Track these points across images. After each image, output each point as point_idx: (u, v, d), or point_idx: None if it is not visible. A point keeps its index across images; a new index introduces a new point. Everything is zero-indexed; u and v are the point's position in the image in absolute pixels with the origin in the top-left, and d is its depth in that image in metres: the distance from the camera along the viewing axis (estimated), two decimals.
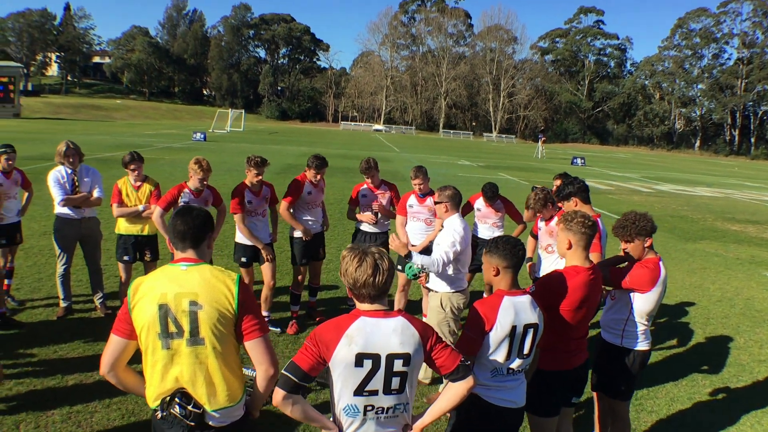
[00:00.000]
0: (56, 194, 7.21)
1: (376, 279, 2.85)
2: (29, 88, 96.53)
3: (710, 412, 6.14)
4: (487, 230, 8.12)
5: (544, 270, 6.22)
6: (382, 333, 2.84)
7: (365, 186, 7.89)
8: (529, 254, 7.76)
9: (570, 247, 4.08)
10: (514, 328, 3.48)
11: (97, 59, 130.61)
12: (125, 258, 7.30)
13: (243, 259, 7.29)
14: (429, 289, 6.00)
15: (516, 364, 3.58)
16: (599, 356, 4.84)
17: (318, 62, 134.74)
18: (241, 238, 7.24)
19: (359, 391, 2.85)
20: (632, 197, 25.42)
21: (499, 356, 3.52)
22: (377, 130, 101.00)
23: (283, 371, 2.90)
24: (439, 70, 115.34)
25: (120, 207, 7.15)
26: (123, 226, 7.28)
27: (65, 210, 7.36)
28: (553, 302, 3.96)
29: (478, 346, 3.49)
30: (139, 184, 7.24)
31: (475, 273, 8.44)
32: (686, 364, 7.34)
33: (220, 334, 2.97)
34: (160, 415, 3.04)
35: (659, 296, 4.48)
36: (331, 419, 3.00)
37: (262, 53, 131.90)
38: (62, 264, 7.50)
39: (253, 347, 3.01)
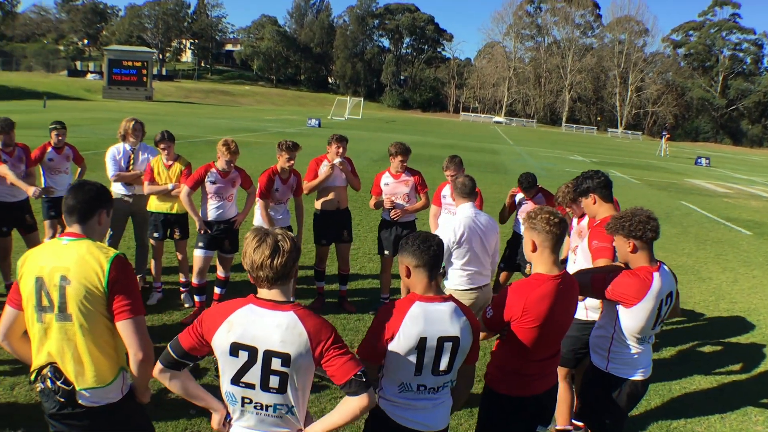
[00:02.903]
0: (109, 170, 7.52)
1: (275, 260, 2.62)
2: (163, 72, 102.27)
3: None
4: None
5: None
6: (264, 325, 2.59)
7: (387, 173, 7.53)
8: (563, 255, 7.12)
9: (535, 249, 3.49)
10: (423, 340, 2.96)
11: (229, 47, 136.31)
12: (155, 235, 7.37)
13: None
14: None
15: (429, 381, 3.06)
16: (583, 380, 4.21)
17: (441, 52, 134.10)
18: (259, 221, 7.08)
19: (236, 381, 2.65)
20: (749, 202, 23.33)
21: (405, 370, 3.01)
22: (497, 122, 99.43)
23: (168, 345, 2.75)
24: (564, 62, 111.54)
25: (151, 185, 7.20)
26: (154, 204, 7.34)
27: (118, 186, 7.63)
28: (509, 317, 3.41)
29: (378, 355, 3.01)
30: (170, 163, 7.25)
31: (513, 272, 7.89)
32: (742, 395, 6.38)
33: (87, 312, 2.89)
34: (38, 388, 3.03)
35: (650, 313, 3.73)
36: None
37: (385, 43, 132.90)
38: (108, 238, 7.70)
39: (122, 329, 2.93)
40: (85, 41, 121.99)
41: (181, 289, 7.49)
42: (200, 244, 6.92)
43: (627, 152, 52.59)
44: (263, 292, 2.70)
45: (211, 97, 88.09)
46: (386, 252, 7.47)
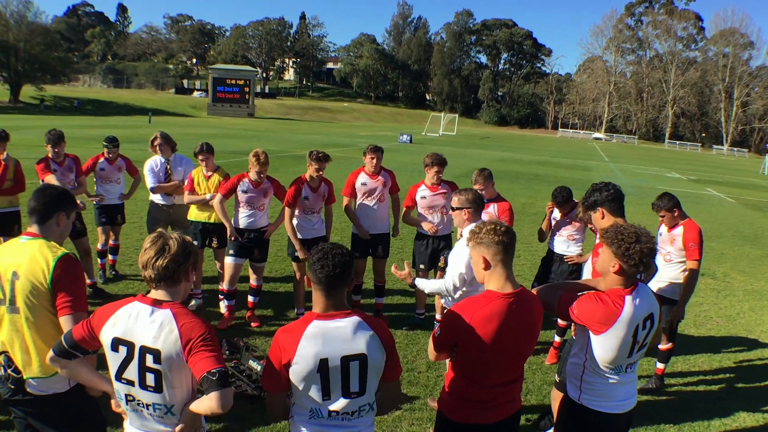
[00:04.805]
0: (148, 181, 7.89)
1: (158, 261, 2.71)
2: (266, 90, 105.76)
3: None
4: (562, 244, 7.14)
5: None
6: (142, 321, 2.69)
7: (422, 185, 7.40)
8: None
9: (488, 267, 3.24)
10: (324, 361, 2.73)
11: (329, 65, 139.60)
12: (194, 243, 7.54)
13: (296, 254, 7.18)
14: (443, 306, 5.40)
15: (340, 405, 2.81)
16: (558, 411, 3.92)
17: (540, 68, 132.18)
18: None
19: (119, 377, 2.75)
20: None
21: (311, 395, 2.78)
22: (596, 139, 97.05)
23: (63, 334, 2.91)
24: (667, 76, 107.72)
25: (191, 194, 7.44)
26: (193, 213, 7.59)
27: (157, 196, 7.99)
28: (456, 338, 3.21)
29: (281, 382, 2.79)
30: (209, 174, 7.48)
31: None
32: None
33: (32, 306, 3.12)
34: None
35: (622, 341, 3.32)
36: None
37: (483, 59, 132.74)
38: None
39: (63, 324, 3.10)
40: (193, 60, 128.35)
41: (220, 297, 7.65)
42: (231, 252, 7.12)
43: (728, 170, 49.99)
44: (151, 292, 2.79)
45: (310, 113, 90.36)
46: (421, 266, 7.36)
